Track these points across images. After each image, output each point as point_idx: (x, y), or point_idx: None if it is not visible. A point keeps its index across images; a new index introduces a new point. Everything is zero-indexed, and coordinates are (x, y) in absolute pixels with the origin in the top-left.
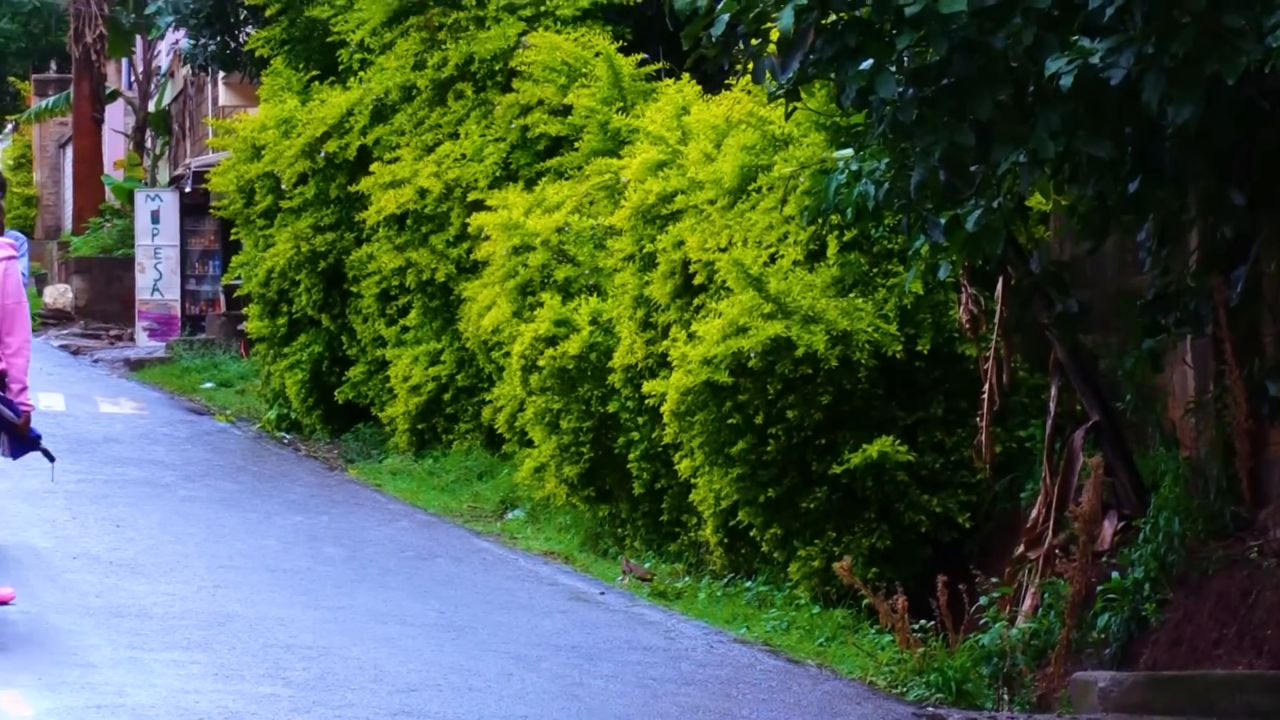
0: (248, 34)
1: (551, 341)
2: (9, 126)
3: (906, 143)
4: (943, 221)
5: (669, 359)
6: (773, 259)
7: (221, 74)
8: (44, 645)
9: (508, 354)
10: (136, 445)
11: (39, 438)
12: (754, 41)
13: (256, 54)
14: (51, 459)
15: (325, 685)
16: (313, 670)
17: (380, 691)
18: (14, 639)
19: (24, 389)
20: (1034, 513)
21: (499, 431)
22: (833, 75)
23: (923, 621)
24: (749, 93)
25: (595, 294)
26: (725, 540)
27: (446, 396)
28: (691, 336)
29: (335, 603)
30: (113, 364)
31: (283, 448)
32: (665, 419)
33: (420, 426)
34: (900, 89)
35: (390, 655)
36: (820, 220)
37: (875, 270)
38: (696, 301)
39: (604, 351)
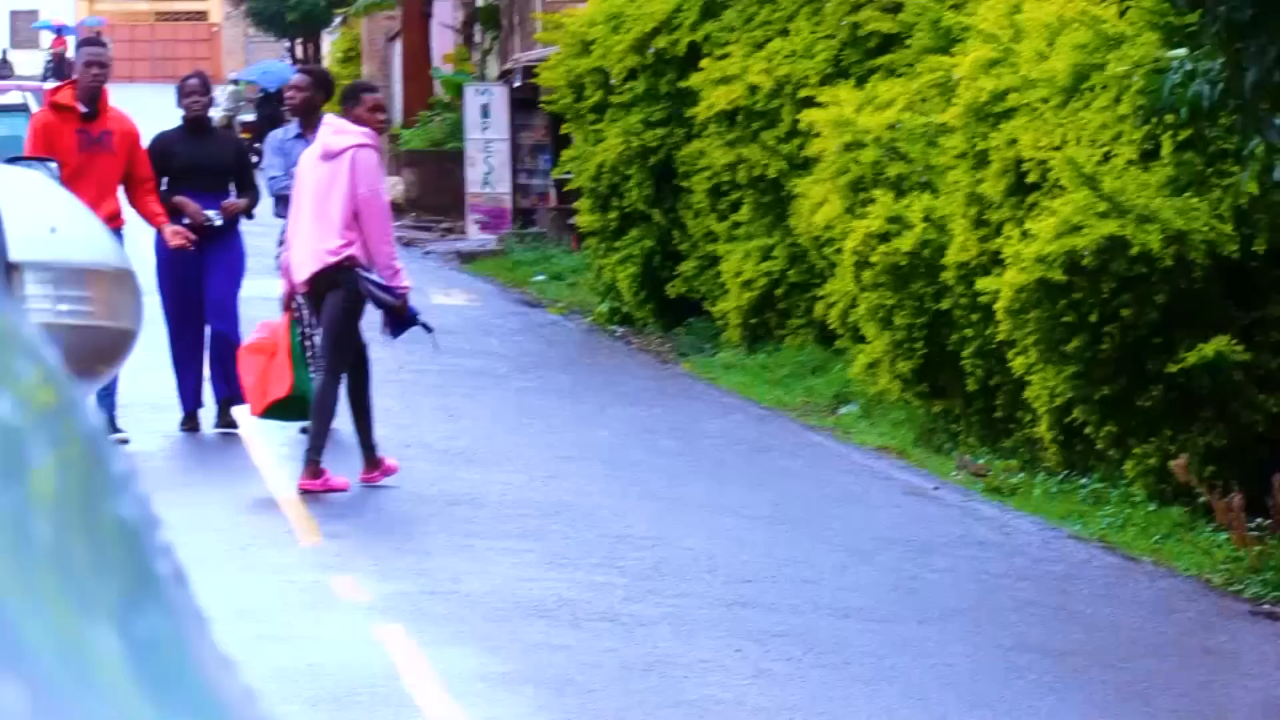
0: None
1: (884, 238)
2: (337, 20)
3: (1241, 43)
4: (1278, 122)
5: (1002, 257)
6: (1106, 158)
7: None
8: (380, 532)
9: (839, 250)
10: (469, 336)
11: (416, 314)
12: None
13: None
14: (429, 329)
15: (659, 575)
16: (647, 560)
17: (714, 582)
18: (351, 526)
19: (396, 273)
20: None
21: (831, 327)
22: None
23: (1259, 520)
24: None
25: (927, 191)
26: (1060, 437)
27: (779, 292)
28: (1025, 234)
29: (669, 494)
30: (444, 256)
31: (615, 341)
32: (999, 316)
33: (753, 321)
34: None
35: (725, 547)
36: (1154, 120)
37: (1210, 170)
38: (1029, 199)
39: (936, 249)
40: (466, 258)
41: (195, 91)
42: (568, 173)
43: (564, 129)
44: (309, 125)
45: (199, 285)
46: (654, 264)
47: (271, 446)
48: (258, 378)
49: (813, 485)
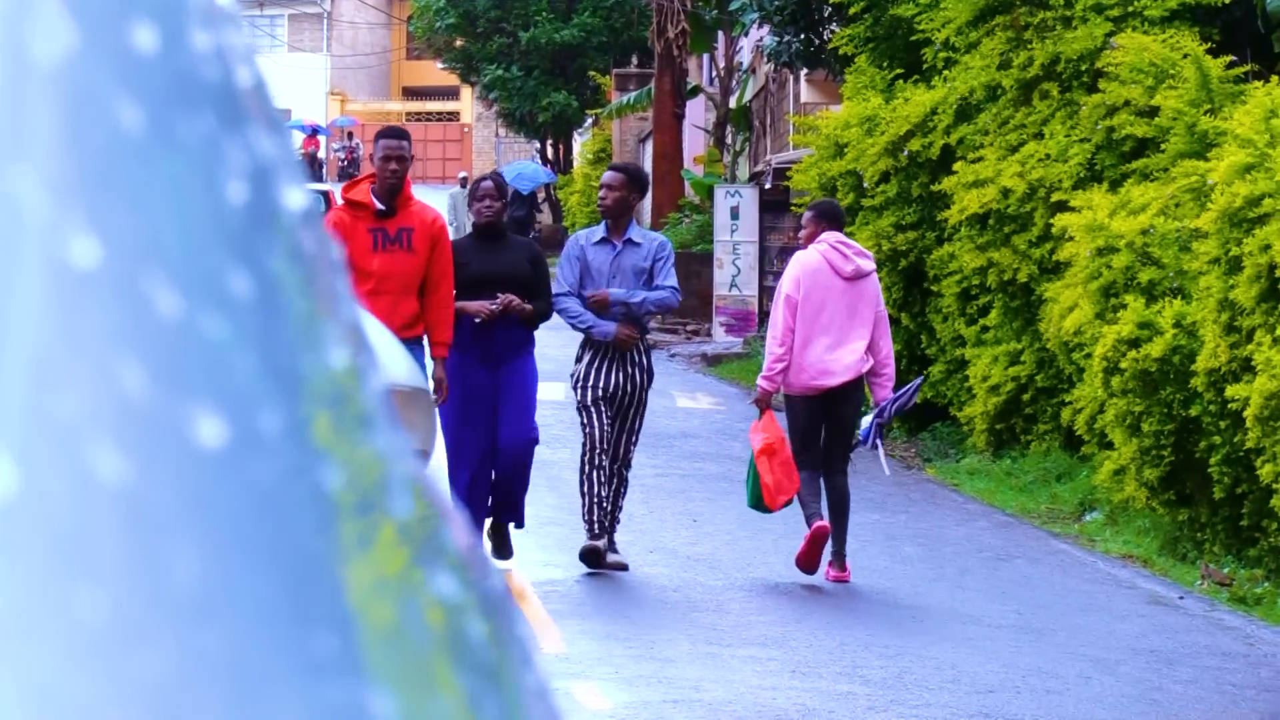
0: (831, 32)
1: (1134, 344)
2: (589, 121)
3: None
4: None
5: (1253, 363)
6: None
7: (804, 71)
8: (622, 639)
9: (1088, 355)
10: (713, 441)
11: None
12: None
13: (840, 52)
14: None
15: (902, 684)
16: (890, 669)
17: (958, 692)
18: (593, 633)
19: (893, 378)
20: None
21: (1078, 433)
22: None
23: None
24: None
25: (1179, 297)
26: None
27: (1025, 397)
28: (1276, 341)
29: (912, 602)
30: (689, 359)
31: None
32: (1248, 424)
33: (998, 427)
34: None
35: (968, 656)
36: None
37: None
38: None
39: (1187, 355)
40: (712, 360)
41: (488, 195)
42: None
43: None
44: (619, 228)
45: (486, 403)
46: (900, 368)
47: (519, 551)
48: (776, 477)
49: (1056, 594)
